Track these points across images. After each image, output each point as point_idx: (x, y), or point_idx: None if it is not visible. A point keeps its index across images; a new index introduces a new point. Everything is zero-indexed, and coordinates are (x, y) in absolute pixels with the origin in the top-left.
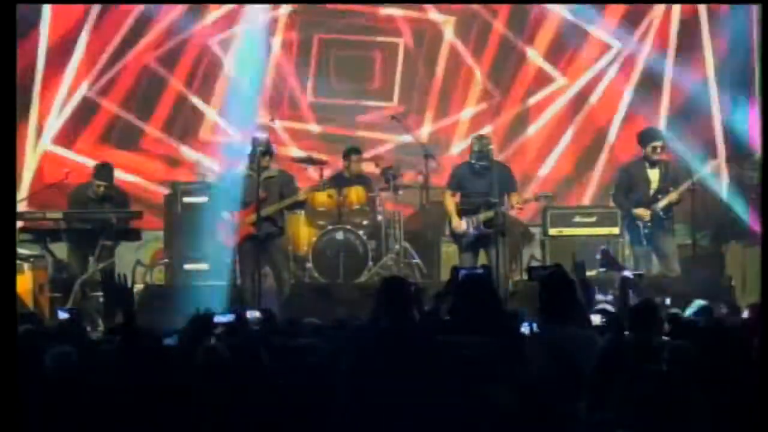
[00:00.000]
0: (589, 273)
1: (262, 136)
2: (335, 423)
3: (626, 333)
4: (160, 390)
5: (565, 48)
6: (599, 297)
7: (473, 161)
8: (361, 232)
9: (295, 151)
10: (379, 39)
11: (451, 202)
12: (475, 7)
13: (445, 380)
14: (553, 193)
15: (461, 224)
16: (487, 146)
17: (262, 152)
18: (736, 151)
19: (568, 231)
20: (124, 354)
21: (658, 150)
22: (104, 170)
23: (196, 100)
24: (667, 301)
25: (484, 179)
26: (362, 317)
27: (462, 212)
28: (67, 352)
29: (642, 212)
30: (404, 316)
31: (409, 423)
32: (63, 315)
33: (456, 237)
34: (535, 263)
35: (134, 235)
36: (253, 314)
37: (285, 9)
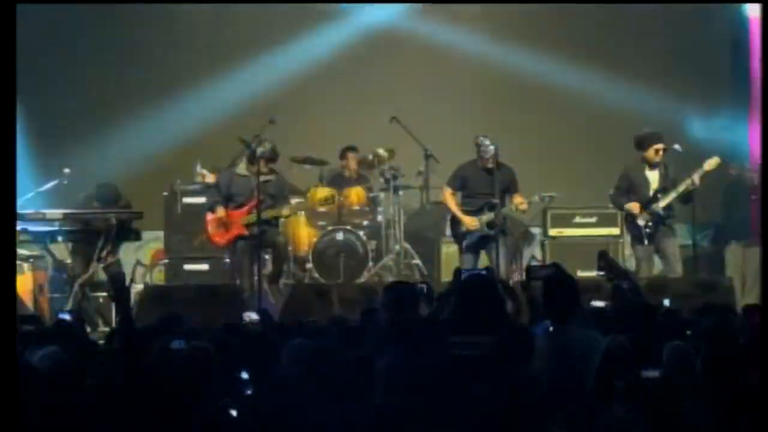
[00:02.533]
0: (588, 274)
1: (267, 139)
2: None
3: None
4: (161, 392)
5: None
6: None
7: (481, 161)
8: (361, 233)
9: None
10: None
11: (453, 201)
12: None
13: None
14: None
15: (474, 221)
16: (494, 146)
17: (265, 157)
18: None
19: (568, 231)
20: (124, 356)
21: (660, 153)
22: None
23: None
24: (666, 302)
25: (488, 179)
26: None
27: (464, 213)
28: (51, 354)
29: (633, 206)
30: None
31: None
32: (64, 317)
33: (458, 238)
34: (534, 263)
35: (134, 235)
36: (250, 316)
37: None
